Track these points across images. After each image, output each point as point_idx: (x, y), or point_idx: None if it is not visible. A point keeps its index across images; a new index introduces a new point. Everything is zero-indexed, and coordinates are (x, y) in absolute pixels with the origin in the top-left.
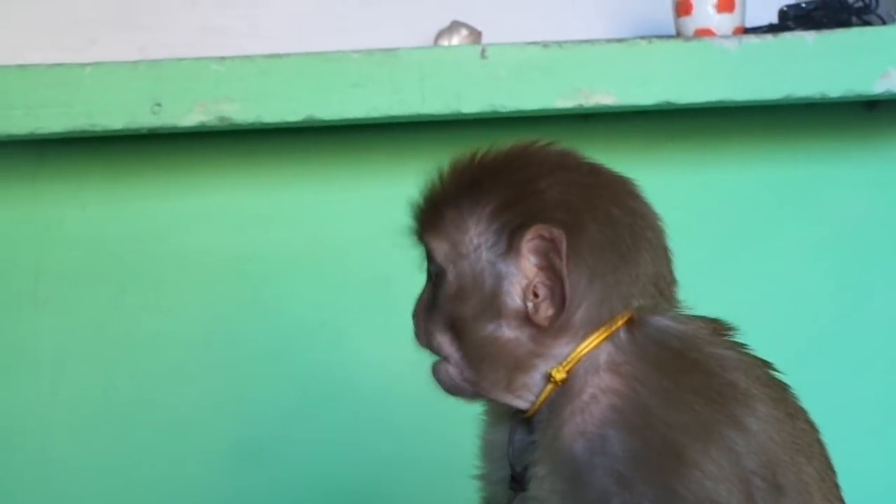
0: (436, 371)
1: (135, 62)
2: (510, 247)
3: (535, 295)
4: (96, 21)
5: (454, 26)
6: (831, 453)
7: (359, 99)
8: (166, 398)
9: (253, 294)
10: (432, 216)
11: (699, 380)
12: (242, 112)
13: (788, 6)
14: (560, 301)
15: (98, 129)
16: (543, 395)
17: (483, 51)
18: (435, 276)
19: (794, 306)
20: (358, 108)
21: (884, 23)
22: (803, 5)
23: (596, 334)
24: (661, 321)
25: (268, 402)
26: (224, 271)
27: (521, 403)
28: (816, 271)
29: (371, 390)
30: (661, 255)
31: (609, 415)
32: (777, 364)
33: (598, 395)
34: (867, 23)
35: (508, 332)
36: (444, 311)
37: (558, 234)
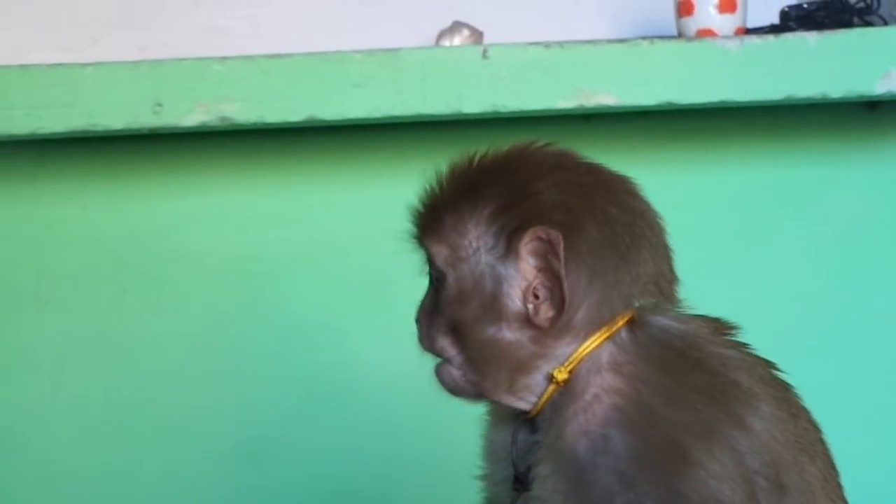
0: (438, 373)
1: (136, 62)
2: (509, 249)
3: (536, 296)
4: (97, 21)
5: (456, 26)
6: (833, 453)
7: (360, 99)
8: (167, 398)
9: (254, 294)
10: (431, 221)
11: (702, 379)
12: (244, 112)
13: (790, 7)
14: (560, 302)
15: (99, 129)
16: (546, 396)
17: (485, 51)
18: (436, 280)
19: (795, 307)
20: (359, 109)
21: (885, 23)
22: (805, 6)
23: (597, 334)
24: (662, 320)
25: (269, 402)
26: (225, 271)
27: (523, 405)
28: (817, 271)
29: (372, 390)
30: (662, 253)
31: (612, 414)
32: (778, 364)
33: (601, 394)
34: (869, 23)
35: (510, 334)
36: (446, 314)
37: (556, 235)
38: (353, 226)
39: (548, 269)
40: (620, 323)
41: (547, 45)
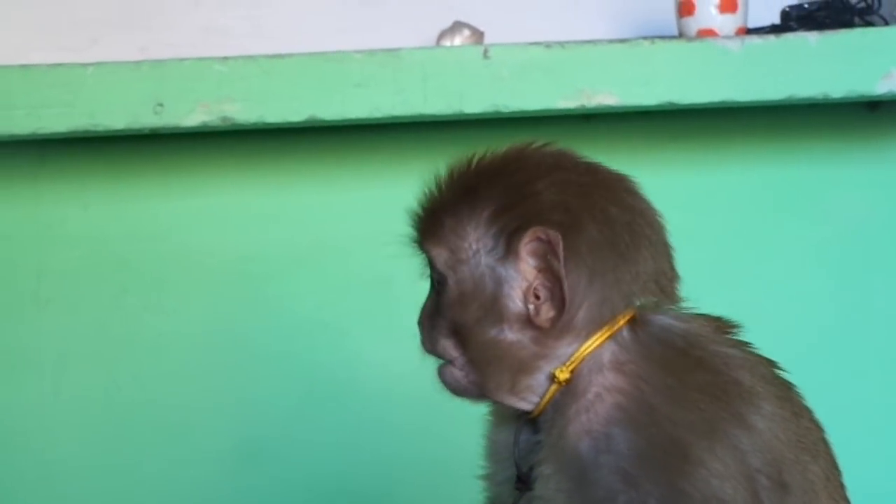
0: (441, 374)
1: (137, 62)
2: (509, 250)
3: (536, 297)
4: (98, 21)
5: (456, 26)
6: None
7: (361, 99)
8: (168, 398)
9: (255, 294)
10: (431, 224)
11: (704, 378)
12: (245, 112)
13: (791, 7)
14: (560, 302)
15: (100, 129)
16: (548, 396)
17: (485, 51)
18: (437, 283)
19: (796, 306)
20: (360, 109)
21: (886, 23)
22: (806, 6)
23: (598, 334)
24: (664, 319)
25: (270, 402)
26: (226, 271)
27: (526, 405)
28: (818, 271)
29: (373, 391)
30: (662, 251)
31: (614, 413)
32: (780, 363)
33: (603, 393)
34: (870, 23)
35: (511, 335)
36: (448, 317)
37: (555, 235)
38: (353, 226)
39: (548, 270)
40: (622, 322)
41: (548, 45)
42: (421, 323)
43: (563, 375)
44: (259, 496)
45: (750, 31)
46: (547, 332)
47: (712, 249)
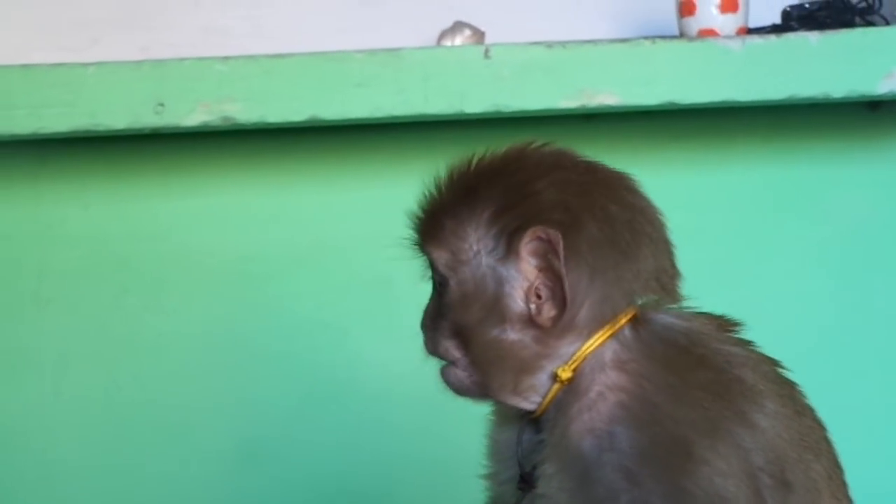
0: (444, 374)
1: (138, 62)
2: (509, 250)
3: (538, 296)
4: (99, 21)
5: (457, 26)
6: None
7: (362, 99)
8: (169, 398)
9: (255, 294)
10: (432, 226)
11: (706, 376)
12: (245, 112)
13: (792, 6)
14: (562, 301)
15: (101, 128)
16: (550, 395)
17: (486, 51)
18: (439, 285)
19: (796, 306)
20: (361, 109)
21: (887, 23)
22: (807, 6)
23: (600, 332)
24: (665, 318)
25: (270, 402)
26: (227, 271)
27: (528, 405)
28: (819, 271)
29: (373, 391)
30: (663, 248)
31: (617, 412)
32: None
33: (605, 392)
34: (871, 23)
35: (513, 334)
36: (450, 318)
37: (555, 234)
38: (354, 226)
39: (548, 269)
40: (623, 321)
41: (549, 44)
42: (424, 325)
43: (565, 374)
44: (259, 496)
45: (751, 31)
46: (549, 332)
47: (713, 249)
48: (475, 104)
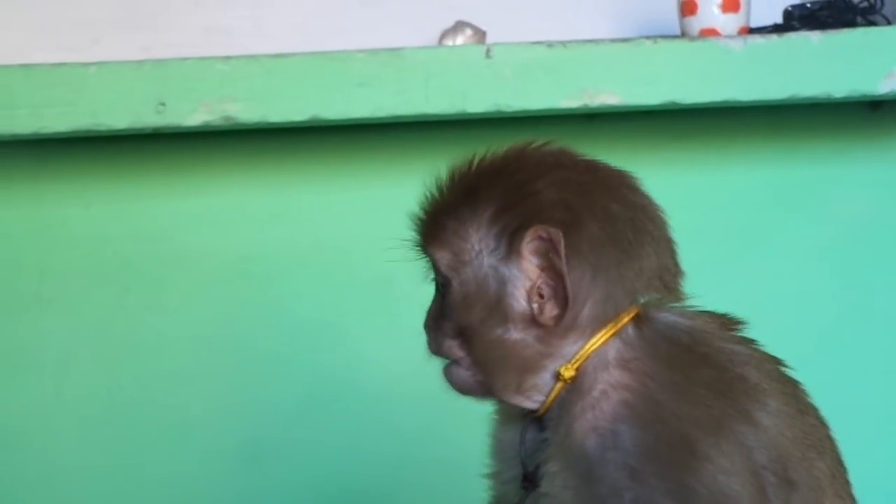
0: (448, 373)
1: (139, 62)
2: (511, 250)
3: (540, 296)
4: (100, 21)
5: (459, 26)
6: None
7: (364, 99)
8: (170, 398)
9: (257, 294)
10: (433, 227)
11: (709, 374)
12: (247, 112)
13: (793, 6)
14: (564, 300)
15: (102, 128)
16: (553, 394)
17: (488, 51)
18: (441, 285)
19: (797, 306)
20: (363, 108)
21: (889, 23)
22: (808, 5)
23: (603, 331)
24: (668, 316)
25: (271, 402)
26: (228, 271)
27: (532, 404)
28: (821, 271)
29: (374, 391)
30: (665, 247)
31: (620, 410)
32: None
33: (609, 391)
34: (872, 23)
35: (516, 334)
36: (453, 319)
37: (556, 233)
38: (356, 226)
39: (550, 268)
40: (626, 319)
41: (550, 44)
42: (427, 326)
43: (568, 373)
44: (260, 496)
45: (752, 31)
46: (551, 331)
47: (714, 249)
48: (476, 104)
